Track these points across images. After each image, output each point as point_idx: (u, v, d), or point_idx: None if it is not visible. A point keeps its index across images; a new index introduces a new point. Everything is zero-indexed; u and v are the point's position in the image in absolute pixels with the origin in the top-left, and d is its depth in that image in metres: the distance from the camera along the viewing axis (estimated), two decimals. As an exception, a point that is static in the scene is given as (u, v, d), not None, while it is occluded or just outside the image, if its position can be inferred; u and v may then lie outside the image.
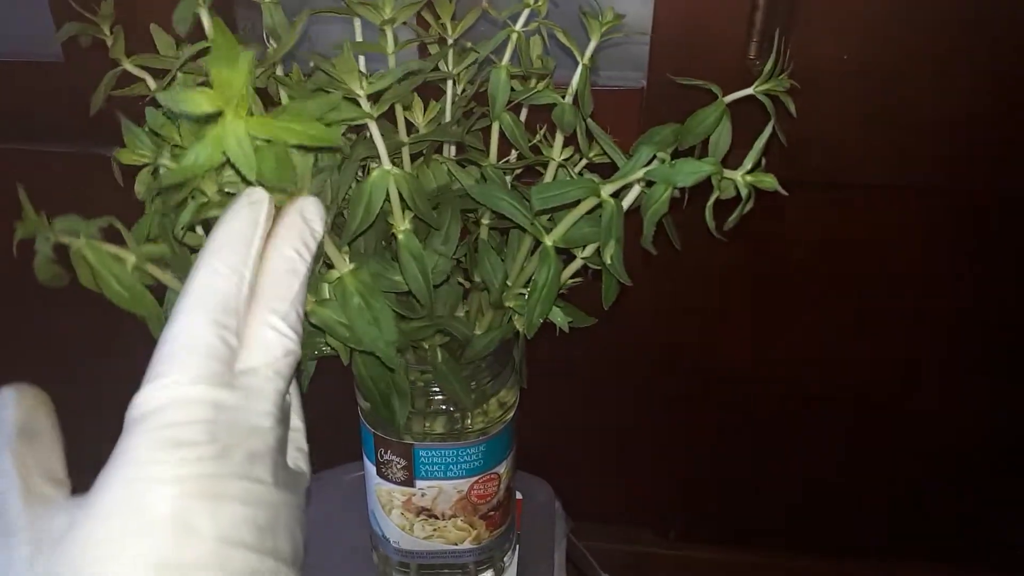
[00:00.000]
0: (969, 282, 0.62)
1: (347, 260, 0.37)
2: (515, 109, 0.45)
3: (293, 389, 0.32)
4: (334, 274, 0.36)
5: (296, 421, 0.32)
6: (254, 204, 0.27)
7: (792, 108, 0.42)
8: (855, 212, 0.60)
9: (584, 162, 0.45)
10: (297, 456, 0.31)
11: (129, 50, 0.41)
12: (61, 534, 0.22)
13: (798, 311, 0.65)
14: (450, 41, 0.46)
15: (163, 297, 0.36)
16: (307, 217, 0.28)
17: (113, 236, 0.31)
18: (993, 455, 0.70)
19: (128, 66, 0.42)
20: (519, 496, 0.68)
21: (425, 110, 0.47)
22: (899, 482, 0.73)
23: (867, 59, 0.54)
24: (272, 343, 0.26)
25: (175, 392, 0.23)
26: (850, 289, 0.63)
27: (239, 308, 0.26)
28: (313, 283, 0.36)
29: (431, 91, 0.45)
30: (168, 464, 0.22)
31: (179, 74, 0.41)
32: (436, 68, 0.44)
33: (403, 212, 0.42)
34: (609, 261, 0.38)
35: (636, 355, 0.69)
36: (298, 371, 0.33)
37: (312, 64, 0.41)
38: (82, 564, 0.21)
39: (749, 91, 0.41)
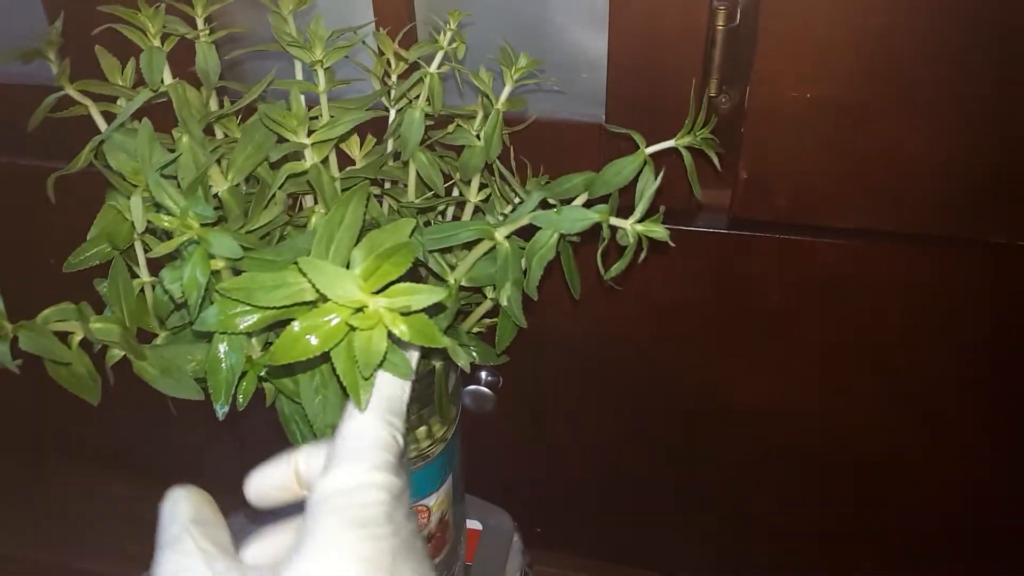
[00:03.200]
0: (948, 338, 0.59)
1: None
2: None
3: None
4: None
5: None
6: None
7: (716, 161, 0.41)
8: (823, 255, 0.57)
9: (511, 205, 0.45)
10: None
11: (79, 70, 0.43)
12: None
13: (764, 352, 0.63)
14: (393, 78, 0.47)
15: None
16: None
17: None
18: (986, 505, 0.66)
19: (71, 92, 0.43)
20: (478, 526, 0.68)
21: (362, 144, 0.48)
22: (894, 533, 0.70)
23: (832, 96, 0.52)
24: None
25: (362, 478, 0.27)
26: (816, 335, 0.61)
27: (403, 411, 0.30)
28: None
29: (375, 124, 0.45)
30: (357, 539, 0.25)
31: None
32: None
33: None
34: (505, 303, 0.38)
35: (615, 386, 0.68)
36: None
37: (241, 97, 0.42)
38: None
39: (671, 143, 0.40)
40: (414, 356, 0.31)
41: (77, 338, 0.32)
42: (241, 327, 0.29)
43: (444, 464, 0.51)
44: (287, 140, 0.40)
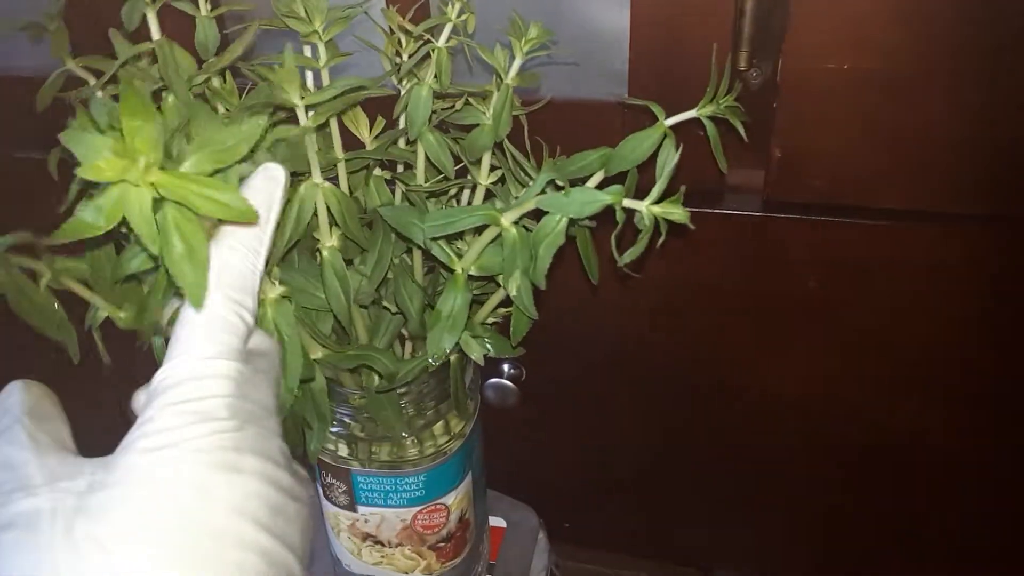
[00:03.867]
0: (983, 323, 0.55)
1: (276, 284, 0.36)
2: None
3: None
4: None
5: None
6: (270, 180, 0.28)
7: (743, 132, 0.38)
8: (860, 237, 0.54)
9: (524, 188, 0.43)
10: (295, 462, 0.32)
11: (86, 50, 0.42)
12: (82, 493, 0.23)
13: (796, 338, 0.59)
14: (405, 57, 0.44)
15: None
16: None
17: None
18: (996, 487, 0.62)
19: (72, 66, 0.42)
20: (502, 524, 0.66)
21: (372, 125, 0.46)
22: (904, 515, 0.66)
23: (871, 68, 0.48)
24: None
25: (197, 366, 0.25)
26: (854, 320, 0.57)
27: (254, 287, 0.27)
28: None
29: (386, 105, 0.43)
30: (190, 435, 0.23)
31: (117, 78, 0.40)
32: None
33: (330, 228, 0.40)
34: (515, 293, 0.36)
35: (637, 378, 0.65)
36: None
37: (247, 72, 0.40)
38: (106, 524, 0.22)
39: (692, 114, 0.37)
40: (267, 192, 0.27)
41: (44, 280, 0.31)
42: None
43: (463, 460, 0.49)
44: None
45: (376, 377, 0.43)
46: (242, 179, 0.28)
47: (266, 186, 0.28)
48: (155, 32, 0.38)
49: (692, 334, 0.61)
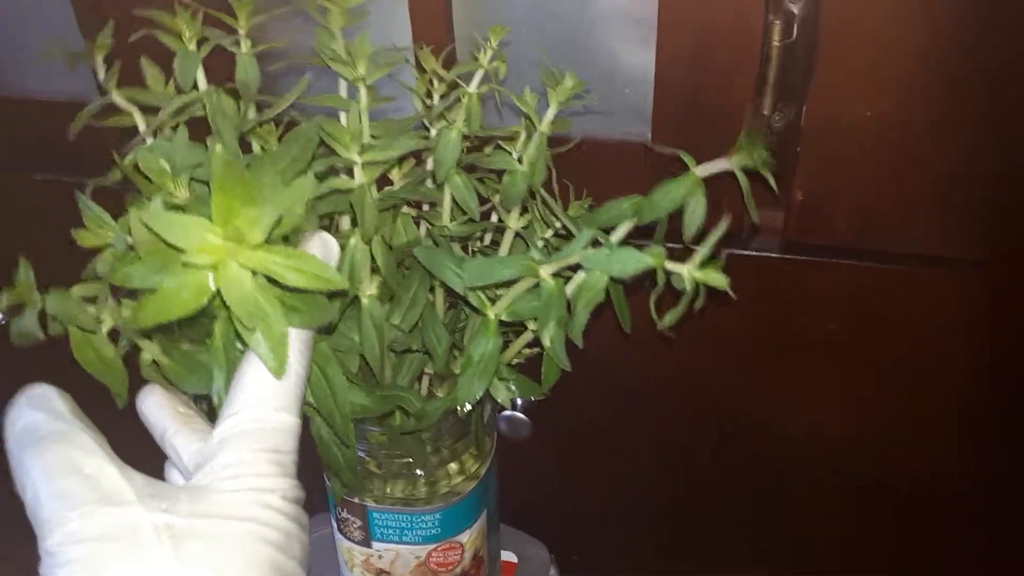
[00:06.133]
0: (1004, 365, 0.55)
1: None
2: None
3: None
4: None
5: None
6: (326, 248, 0.30)
7: (773, 183, 0.38)
8: (880, 279, 0.54)
9: (552, 230, 0.43)
10: None
11: (123, 80, 0.41)
12: (180, 515, 0.24)
13: (815, 378, 0.59)
14: (436, 98, 0.44)
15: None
16: None
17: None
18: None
19: (117, 99, 0.41)
20: (513, 559, 0.65)
21: (401, 164, 0.46)
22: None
23: (894, 115, 0.49)
24: None
25: (275, 418, 0.27)
26: (870, 361, 0.57)
27: (311, 344, 0.29)
28: None
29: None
30: (278, 486, 0.26)
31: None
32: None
33: (371, 277, 0.40)
34: (548, 343, 0.36)
35: (650, 413, 0.65)
36: None
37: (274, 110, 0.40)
38: (214, 550, 0.23)
39: (724, 164, 0.37)
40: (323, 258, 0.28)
41: (105, 327, 0.31)
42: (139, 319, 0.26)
43: (479, 499, 0.49)
44: (330, 154, 0.38)
45: (399, 416, 0.43)
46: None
47: (322, 253, 0.30)
48: (202, 82, 0.38)
49: (709, 372, 0.61)
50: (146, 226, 0.22)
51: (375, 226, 0.35)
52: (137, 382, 0.33)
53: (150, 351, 0.32)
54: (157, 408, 0.30)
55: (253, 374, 0.27)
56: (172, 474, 0.31)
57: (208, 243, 0.22)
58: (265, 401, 0.27)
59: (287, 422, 0.27)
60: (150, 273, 0.23)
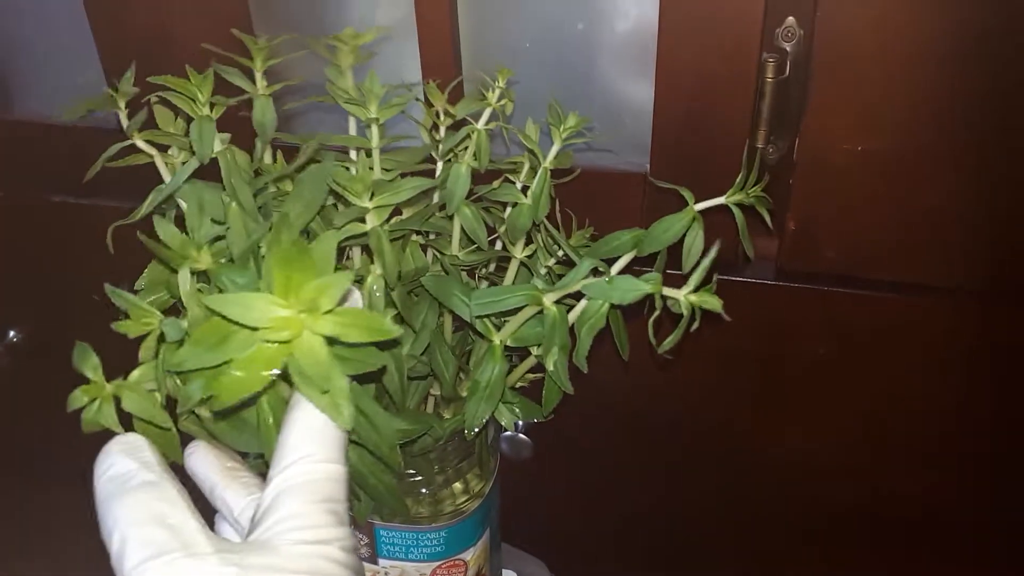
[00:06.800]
0: (990, 393, 0.57)
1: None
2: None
3: None
4: None
5: None
6: (354, 304, 0.31)
7: (768, 219, 0.40)
8: (869, 307, 0.56)
9: (554, 258, 0.45)
10: None
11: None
12: (249, 567, 0.25)
13: (805, 403, 0.61)
14: (442, 131, 0.46)
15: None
16: None
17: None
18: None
19: (139, 142, 0.43)
20: (512, 576, 0.67)
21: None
22: None
23: (883, 149, 0.51)
24: None
25: (328, 469, 0.28)
26: (859, 386, 0.59)
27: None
28: None
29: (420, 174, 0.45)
30: (334, 535, 0.27)
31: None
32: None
33: (385, 309, 0.42)
34: (551, 368, 0.37)
35: (648, 435, 0.67)
36: None
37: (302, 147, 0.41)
38: None
39: (720, 200, 0.39)
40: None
41: (160, 396, 0.32)
42: (199, 396, 0.27)
43: (482, 518, 0.50)
44: (340, 196, 0.40)
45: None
46: None
47: (358, 304, 0.31)
48: (217, 143, 0.39)
49: (703, 396, 0.63)
50: (210, 310, 0.24)
51: (396, 267, 0.37)
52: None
53: (203, 418, 0.33)
54: (205, 464, 0.31)
55: (301, 428, 0.28)
56: (223, 527, 0.32)
57: (279, 317, 0.24)
58: (315, 453, 0.28)
59: (337, 472, 0.28)
60: (202, 353, 0.25)
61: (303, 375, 0.25)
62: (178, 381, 0.29)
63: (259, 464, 0.34)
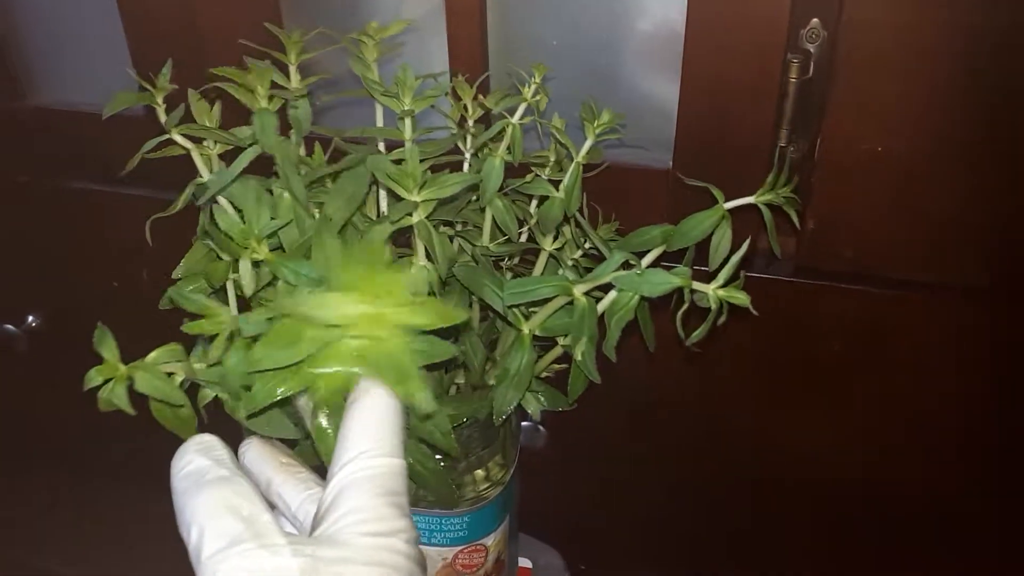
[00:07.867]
0: (1003, 388, 0.58)
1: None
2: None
3: None
4: None
5: None
6: None
7: (795, 219, 0.41)
8: (884, 304, 0.57)
9: (581, 250, 0.45)
10: None
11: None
12: (322, 559, 0.26)
13: (820, 397, 0.62)
14: (470, 123, 0.47)
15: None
16: None
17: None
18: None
19: (176, 136, 0.43)
20: (528, 565, 0.68)
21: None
22: None
23: (904, 150, 0.52)
24: None
25: (391, 463, 0.28)
26: (874, 381, 0.60)
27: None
28: None
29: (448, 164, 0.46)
30: (399, 527, 0.27)
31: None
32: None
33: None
34: (579, 357, 0.38)
35: (663, 427, 0.68)
36: None
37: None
38: None
39: (750, 200, 0.40)
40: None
41: (179, 378, 0.33)
42: (279, 393, 0.29)
43: (503, 504, 0.51)
44: (381, 189, 0.40)
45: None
46: None
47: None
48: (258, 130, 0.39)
49: (719, 388, 0.64)
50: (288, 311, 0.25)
51: (445, 258, 0.37)
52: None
53: (220, 391, 0.33)
54: (260, 460, 0.32)
55: (361, 423, 0.29)
56: (281, 523, 0.33)
57: (359, 313, 0.25)
58: (375, 448, 0.28)
59: (398, 465, 0.29)
60: (277, 350, 0.26)
61: (381, 366, 0.26)
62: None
63: (308, 452, 0.35)
